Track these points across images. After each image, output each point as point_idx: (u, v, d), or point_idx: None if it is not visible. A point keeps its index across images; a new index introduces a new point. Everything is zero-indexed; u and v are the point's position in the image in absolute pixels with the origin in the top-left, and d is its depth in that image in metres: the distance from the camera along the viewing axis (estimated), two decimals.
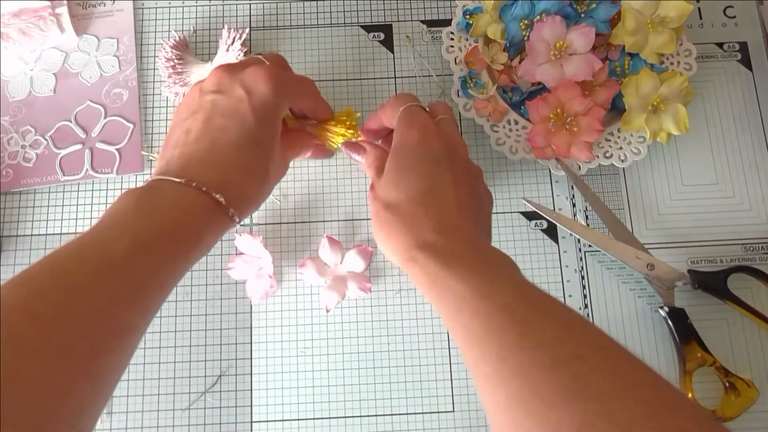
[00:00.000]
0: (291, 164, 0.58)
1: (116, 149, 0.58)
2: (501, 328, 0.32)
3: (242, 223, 0.57)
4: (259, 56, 0.46)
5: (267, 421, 0.52)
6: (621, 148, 0.56)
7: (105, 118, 0.59)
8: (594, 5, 0.56)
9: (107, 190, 0.58)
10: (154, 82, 0.61)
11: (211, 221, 0.39)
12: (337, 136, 0.56)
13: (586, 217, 0.57)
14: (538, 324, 0.32)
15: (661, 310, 0.53)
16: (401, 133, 0.44)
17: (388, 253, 0.42)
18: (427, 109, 0.46)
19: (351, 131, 0.56)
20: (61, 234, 0.56)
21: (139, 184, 0.40)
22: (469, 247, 0.38)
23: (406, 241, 0.39)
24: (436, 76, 0.61)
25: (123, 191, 0.39)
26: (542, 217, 0.57)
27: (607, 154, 0.56)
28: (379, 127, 0.49)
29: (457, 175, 0.42)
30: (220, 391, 0.53)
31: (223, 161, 0.40)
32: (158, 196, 0.38)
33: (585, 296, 0.55)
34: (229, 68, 0.43)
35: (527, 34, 0.56)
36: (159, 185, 0.39)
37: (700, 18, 0.63)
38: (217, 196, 0.39)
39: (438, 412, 0.53)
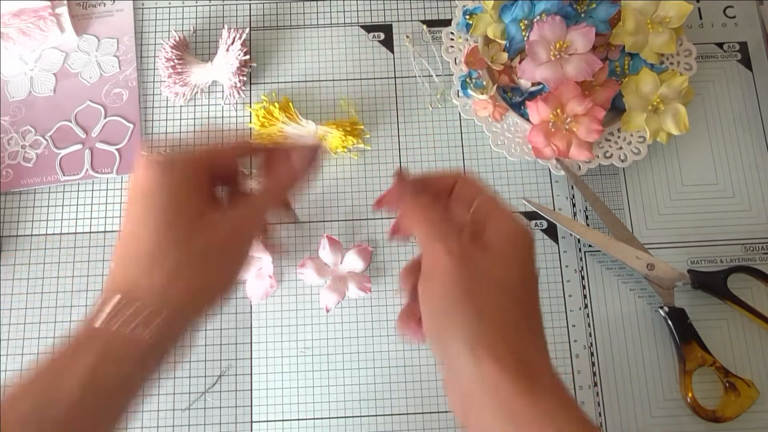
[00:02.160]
0: None
1: (116, 149, 0.58)
2: None
3: None
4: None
5: (267, 421, 0.52)
6: (621, 148, 0.56)
7: (105, 118, 0.59)
8: (594, 5, 0.56)
9: (107, 190, 0.58)
10: (154, 82, 0.61)
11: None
12: (336, 141, 0.56)
13: (586, 217, 0.57)
14: None
15: (661, 310, 0.53)
16: (423, 256, 0.35)
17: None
18: (442, 184, 0.38)
19: (351, 138, 0.56)
20: (61, 234, 0.56)
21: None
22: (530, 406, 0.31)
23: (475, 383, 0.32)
24: (436, 76, 0.61)
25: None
26: (542, 217, 0.57)
27: (607, 154, 0.56)
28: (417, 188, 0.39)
29: (507, 299, 0.34)
30: (220, 391, 0.53)
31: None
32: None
33: (585, 296, 0.55)
34: None
35: (527, 34, 0.56)
36: None
37: (700, 18, 0.63)
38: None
39: (438, 412, 0.53)
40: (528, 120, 0.56)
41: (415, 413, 0.52)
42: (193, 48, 0.61)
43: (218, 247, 0.36)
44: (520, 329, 0.33)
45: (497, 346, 0.32)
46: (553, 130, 0.55)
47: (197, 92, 0.60)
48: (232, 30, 0.59)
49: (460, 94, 0.58)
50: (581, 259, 0.56)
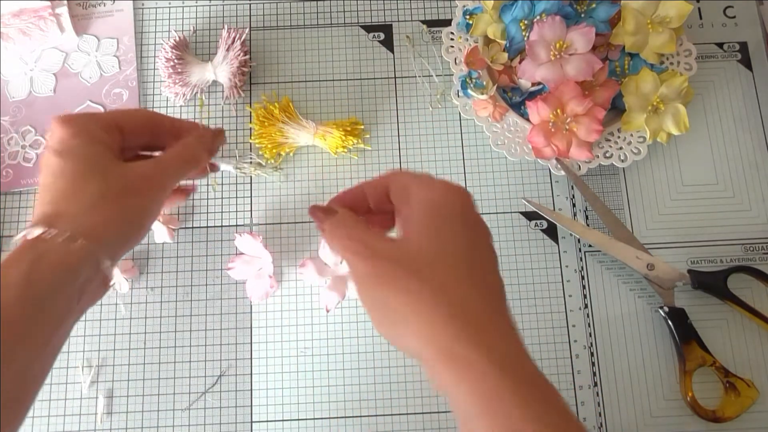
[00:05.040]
0: (291, 163, 0.58)
1: None
2: None
3: (242, 224, 0.57)
4: None
5: (267, 421, 0.52)
6: (621, 148, 0.56)
7: None
8: (594, 5, 0.56)
9: None
10: (154, 82, 0.61)
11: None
12: (336, 141, 0.56)
13: (586, 217, 0.57)
14: None
15: (661, 310, 0.53)
16: (415, 191, 0.35)
17: (402, 339, 0.33)
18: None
19: (351, 138, 0.56)
20: None
21: None
22: (516, 337, 0.32)
23: (446, 321, 0.31)
24: (436, 76, 0.61)
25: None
26: (542, 217, 0.57)
27: (607, 154, 0.56)
28: (355, 202, 0.39)
29: (483, 235, 0.35)
30: (220, 391, 0.53)
31: None
32: None
33: (585, 296, 0.55)
34: None
35: (527, 34, 0.56)
36: None
37: (700, 18, 0.63)
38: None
39: (438, 412, 0.53)
40: (528, 120, 0.56)
41: (415, 413, 0.52)
42: (193, 48, 0.61)
43: (132, 189, 0.39)
44: (466, 304, 0.31)
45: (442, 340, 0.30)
46: (553, 130, 0.55)
47: (197, 92, 0.60)
48: (232, 30, 0.59)
49: (460, 94, 0.58)
50: (581, 259, 0.56)
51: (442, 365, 0.30)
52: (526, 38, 0.56)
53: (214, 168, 0.50)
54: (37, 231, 0.36)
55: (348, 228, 0.36)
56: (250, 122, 0.59)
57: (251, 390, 0.53)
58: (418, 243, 0.33)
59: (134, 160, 0.41)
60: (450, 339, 0.30)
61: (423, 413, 0.52)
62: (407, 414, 0.52)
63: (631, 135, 0.56)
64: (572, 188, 0.58)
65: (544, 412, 0.29)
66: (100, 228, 0.37)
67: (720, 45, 0.62)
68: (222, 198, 0.58)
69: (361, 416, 0.52)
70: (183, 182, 0.50)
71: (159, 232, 0.56)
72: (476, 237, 0.35)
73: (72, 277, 0.35)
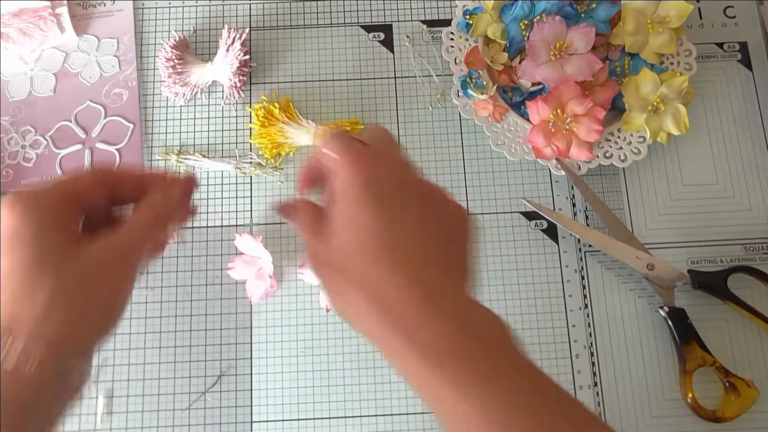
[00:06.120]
0: (291, 164, 0.58)
1: (116, 149, 0.58)
2: None
3: (242, 224, 0.57)
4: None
5: (267, 421, 0.52)
6: (621, 148, 0.56)
7: (105, 118, 0.59)
8: (594, 5, 0.56)
9: None
10: (154, 82, 0.61)
11: None
12: None
13: (586, 217, 0.57)
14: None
15: (661, 310, 0.53)
16: (335, 172, 0.34)
17: (368, 336, 0.33)
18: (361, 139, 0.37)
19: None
20: None
21: None
22: (453, 326, 0.31)
23: (380, 325, 0.31)
24: (436, 76, 0.61)
25: None
26: (542, 217, 0.57)
27: (607, 154, 0.56)
28: (317, 174, 0.37)
29: (416, 209, 0.33)
30: (220, 391, 0.53)
31: None
32: None
33: (585, 296, 0.55)
34: None
35: (527, 34, 0.56)
36: None
37: (700, 18, 0.63)
38: None
39: None
40: (528, 120, 0.56)
41: (415, 413, 0.52)
42: (193, 48, 0.61)
43: (96, 275, 0.34)
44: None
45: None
46: (553, 130, 0.55)
47: (197, 92, 0.60)
48: (232, 30, 0.59)
49: (460, 94, 0.58)
50: (581, 259, 0.56)
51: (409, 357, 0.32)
52: (526, 38, 0.56)
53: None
54: None
55: (301, 227, 0.35)
56: (250, 122, 0.59)
57: (251, 390, 0.53)
58: (339, 234, 0.33)
59: (105, 223, 0.37)
60: (391, 343, 0.32)
61: (423, 413, 0.52)
62: (407, 414, 0.52)
63: (631, 135, 0.56)
64: (572, 188, 0.58)
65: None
66: (64, 329, 0.32)
67: (720, 45, 0.62)
68: (222, 198, 0.58)
69: (361, 416, 0.52)
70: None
71: None
72: (419, 208, 0.33)
73: (30, 406, 0.31)
